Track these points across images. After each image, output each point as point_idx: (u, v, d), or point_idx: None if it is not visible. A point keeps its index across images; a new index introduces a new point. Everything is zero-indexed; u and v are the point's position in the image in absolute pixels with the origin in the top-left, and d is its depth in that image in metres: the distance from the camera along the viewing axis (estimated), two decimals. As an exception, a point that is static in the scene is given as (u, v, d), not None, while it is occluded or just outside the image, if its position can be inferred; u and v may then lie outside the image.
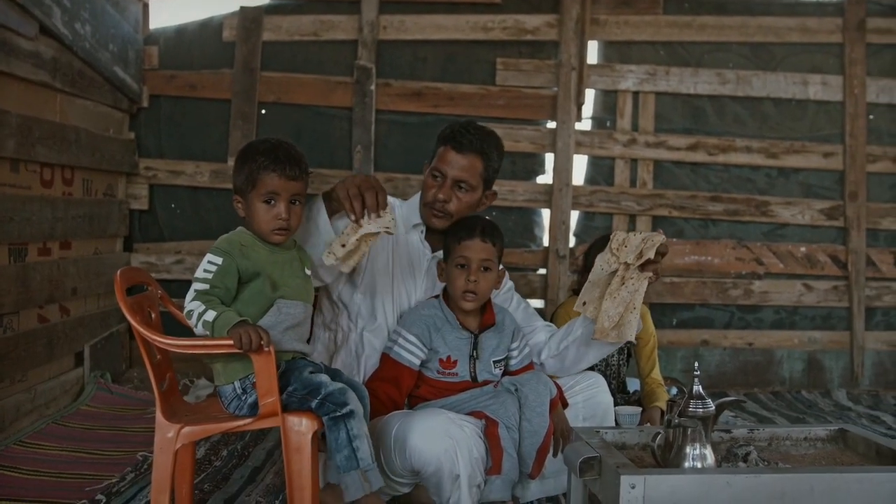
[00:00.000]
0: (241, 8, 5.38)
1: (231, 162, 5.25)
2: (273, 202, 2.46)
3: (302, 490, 2.34)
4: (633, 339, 2.78)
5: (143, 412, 4.23)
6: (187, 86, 5.34)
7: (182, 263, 5.25)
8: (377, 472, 2.37)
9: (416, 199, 3.02)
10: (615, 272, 2.73)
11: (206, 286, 2.37)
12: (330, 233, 2.65)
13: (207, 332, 2.34)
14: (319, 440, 2.42)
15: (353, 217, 2.54)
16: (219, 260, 2.40)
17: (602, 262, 2.76)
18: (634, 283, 2.70)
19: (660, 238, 2.68)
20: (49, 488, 3.16)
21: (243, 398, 2.42)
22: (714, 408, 2.31)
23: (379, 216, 2.54)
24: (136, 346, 5.01)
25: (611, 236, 2.77)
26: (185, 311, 2.36)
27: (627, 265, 2.69)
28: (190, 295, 2.37)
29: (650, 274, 2.70)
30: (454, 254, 2.79)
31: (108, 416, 4.16)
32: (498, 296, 3.08)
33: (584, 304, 2.80)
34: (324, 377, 2.40)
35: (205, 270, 2.39)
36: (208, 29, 5.43)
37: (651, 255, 2.65)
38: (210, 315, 2.31)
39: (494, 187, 3.06)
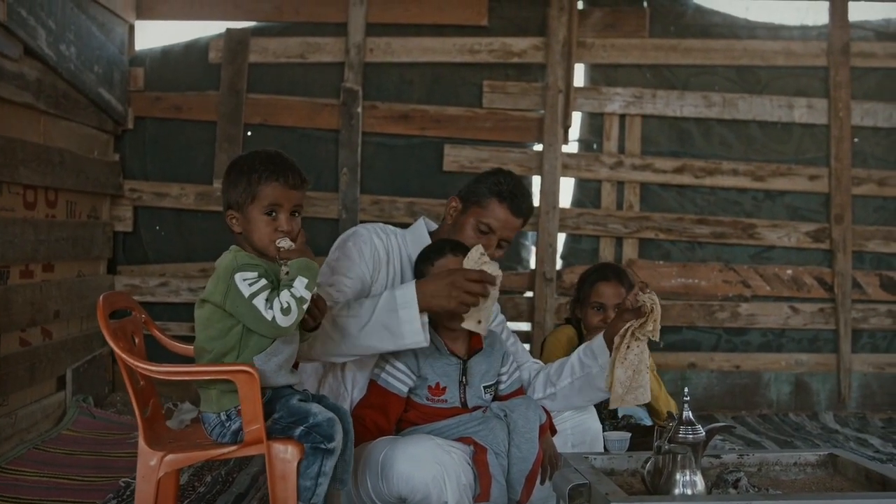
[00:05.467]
0: (228, 30, 5.38)
1: (217, 184, 5.23)
2: (274, 214, 2.40)
3: (287, 518, 2.30)
4: (648, 399, 2.80)
5: (126, 437, 4.17)
6: (173, 107, 5.32)
7: (167, 286, 5.21)
8: None
9: (419, 230, 2.98)
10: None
11: (263, 283, 2.29)
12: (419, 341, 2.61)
13: (308, 295, 2.28)
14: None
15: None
16: (253, 272, 2.32)
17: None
18: (639, 344, 2.73)
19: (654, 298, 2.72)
20: (29, 516, 3.11)
21: (227, 425, 2.38)
22: (704, 434, 2.30)
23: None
24: (118, 369, 4.97)
25: None
26: (277, 319, 2.26)
27: (632, 331, 2.72)
28: (261, 305, 2.26)
29: (650, 332, 2.74)
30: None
31: (90, 440, 4.11)
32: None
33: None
34: (313, 406, 2.36)
35: (250, 284, 2.29)
36: (194, 51, 5.42)
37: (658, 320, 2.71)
38: (299, 287, 2.27)
39: None
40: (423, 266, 2.79)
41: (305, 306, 2.30)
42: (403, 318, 2.56)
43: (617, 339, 2.74)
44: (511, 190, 2.93)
